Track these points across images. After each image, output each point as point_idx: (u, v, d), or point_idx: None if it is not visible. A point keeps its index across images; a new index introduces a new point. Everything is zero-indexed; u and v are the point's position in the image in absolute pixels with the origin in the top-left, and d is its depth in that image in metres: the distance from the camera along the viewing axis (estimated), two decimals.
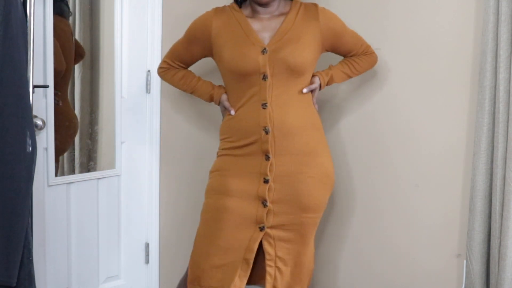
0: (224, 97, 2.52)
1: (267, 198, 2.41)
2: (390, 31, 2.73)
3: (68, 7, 2.75)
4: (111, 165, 2.86)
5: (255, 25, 2.47)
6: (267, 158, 2.41)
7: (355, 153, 2.87)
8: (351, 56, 2.62)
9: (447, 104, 2.59)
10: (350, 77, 2.64)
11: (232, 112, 2.47)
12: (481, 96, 2.38)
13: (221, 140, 2.53)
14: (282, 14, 2.49)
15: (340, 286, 2.97)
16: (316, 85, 2.50)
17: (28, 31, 2.13)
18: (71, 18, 2.77)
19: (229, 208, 2.41)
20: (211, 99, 2.57)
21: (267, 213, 2.42)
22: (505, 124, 2.32)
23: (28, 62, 2.14)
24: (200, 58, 2.60)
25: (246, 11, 2.50)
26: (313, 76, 2.51)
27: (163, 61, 2.63)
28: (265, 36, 2.45)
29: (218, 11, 2.51)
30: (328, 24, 2.50)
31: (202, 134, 3.02)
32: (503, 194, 2.33)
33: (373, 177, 2.83)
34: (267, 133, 2.39)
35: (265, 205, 2.41)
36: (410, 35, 2.68)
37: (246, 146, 2.43)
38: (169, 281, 2.98)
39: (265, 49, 2.40)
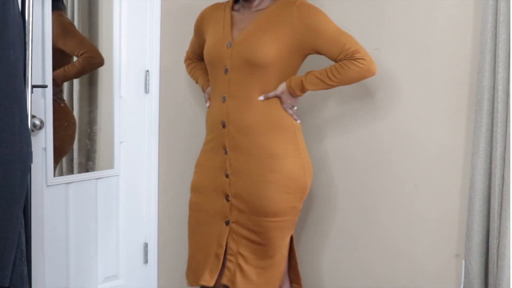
0: (208, 89, 2.58)
1: (228, 192, 2.43)
2: (388, 31, 2.72)
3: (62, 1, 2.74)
4: (110, 165, 2.86)
5: (237, 18, 2.48)
6: (226, 152, 2.43)
7: (352, 152, 2.87)
8: (336, 60, 2.37)
9: (445, 104, 2.59)
10: (328, 85, 2.38)
11: (207, 104, 2.54)
12: (479, 96, 2.38)
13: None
14: (263, 9, 2.44)
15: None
16: (276, 92, 2.38)
17: (27, 31, 2.13)
18: (69, 17, 2.77)
19: (198, 206, 2.49)
20: (204, 90, 2.66)
21: (230, 208, 2.43)
22: (504, 124, 2.32)
23: (27, 62, 2.13)
24: None
25: (237, 6, 2.52)
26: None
27: (186, 53, 2.77)
28: (239, 30, 2.44)
29: (215, 6, 2.57)
30: (303, 20, 2.35)
31: (201, 134, 3.01)
32: (502, 194, 2.33)
33: (372, 177, 2.82)
34: (224, 127, 2.41)
35: (227, 199, 2.43)
36: (407, 35, 2.67)
37: (211, 140, 2.48)
38: (167, 281, 2.98)
39: (230, 42, 2.40)
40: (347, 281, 2.94)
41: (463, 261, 2.50)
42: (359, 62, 2.33)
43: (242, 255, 2.44)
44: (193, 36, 2.68)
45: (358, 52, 2.34)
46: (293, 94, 2.40)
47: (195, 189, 2.51)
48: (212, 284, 2.45)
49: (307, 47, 2.38)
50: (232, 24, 2.45)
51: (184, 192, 2.98)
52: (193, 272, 2.51)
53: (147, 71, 2.89)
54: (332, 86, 2.40)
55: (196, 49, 2.69)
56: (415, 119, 2.68)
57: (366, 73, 2.37)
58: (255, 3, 2.45)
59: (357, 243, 2.90)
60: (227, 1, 2.53)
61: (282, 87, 2.39)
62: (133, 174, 2.92)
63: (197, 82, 2.71)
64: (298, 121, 2.46)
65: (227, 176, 2.42)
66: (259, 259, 2.44)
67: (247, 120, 2.37)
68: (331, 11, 2.55)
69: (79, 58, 2.74)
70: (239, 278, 2.43)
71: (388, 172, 2.77)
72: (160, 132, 2.95)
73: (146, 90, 2.91)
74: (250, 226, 2.41)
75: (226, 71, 2.39)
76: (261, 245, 2.42)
